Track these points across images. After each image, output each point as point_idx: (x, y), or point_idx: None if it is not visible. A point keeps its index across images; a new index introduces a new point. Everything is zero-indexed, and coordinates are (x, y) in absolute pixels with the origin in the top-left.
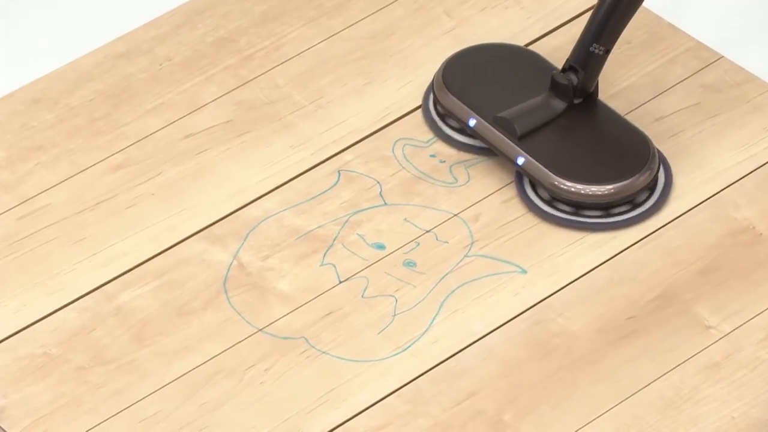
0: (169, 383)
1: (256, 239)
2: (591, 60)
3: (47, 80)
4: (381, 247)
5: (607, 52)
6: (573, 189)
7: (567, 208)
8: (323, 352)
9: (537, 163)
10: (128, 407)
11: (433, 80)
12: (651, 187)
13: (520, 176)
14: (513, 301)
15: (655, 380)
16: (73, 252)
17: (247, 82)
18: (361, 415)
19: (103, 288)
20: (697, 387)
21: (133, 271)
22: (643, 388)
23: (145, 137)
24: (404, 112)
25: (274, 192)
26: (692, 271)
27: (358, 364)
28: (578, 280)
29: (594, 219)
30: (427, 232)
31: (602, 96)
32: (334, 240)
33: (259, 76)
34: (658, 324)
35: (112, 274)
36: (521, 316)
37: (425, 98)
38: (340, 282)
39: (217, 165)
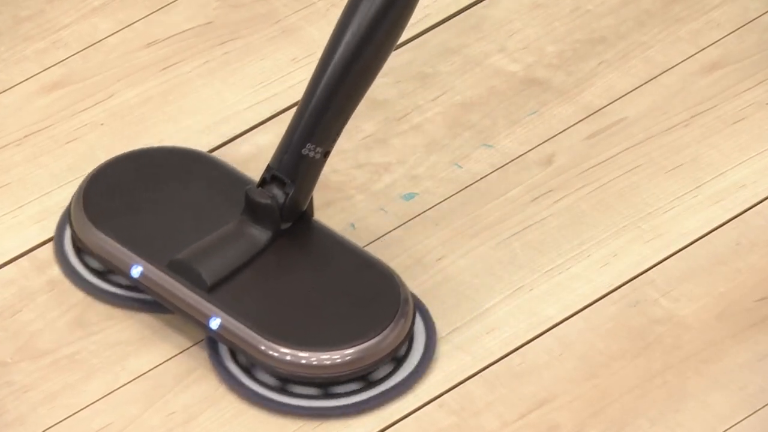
0: (125, 385)
1: None
2: (303, 166)
3: None
4: (414, 197)
5: (327, 154)
6: (291, 359)
7: (307, 391)
8: None
9: (241, 324)
10: (67, 418)
11: (70, 205)
12: (409, 338)
13: (214, 343)
14: (599, 274)
15: None
16: None
17: None
18: (390, 429)
19: (32, 253)
20: None
21: None
22: None
23: (92, 45)
24: (443, 17)
25: (270, 122)
26: None
27: None
28: (691, 246)
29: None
30: (480, 180)
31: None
32: (353, 189)
33: None
34: None
35: (47, 234)
36: (611, 295)
37: (59, 229)
38: None
39: (192, 84)
